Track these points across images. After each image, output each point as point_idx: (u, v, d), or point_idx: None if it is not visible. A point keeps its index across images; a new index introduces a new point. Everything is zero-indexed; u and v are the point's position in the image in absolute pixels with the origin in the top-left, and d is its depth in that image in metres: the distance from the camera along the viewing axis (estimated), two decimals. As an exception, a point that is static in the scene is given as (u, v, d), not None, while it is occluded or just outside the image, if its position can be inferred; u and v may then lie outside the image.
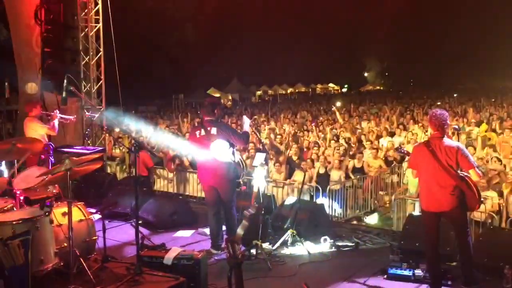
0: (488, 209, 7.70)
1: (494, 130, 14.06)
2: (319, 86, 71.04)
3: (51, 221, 4.79)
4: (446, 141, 5.08)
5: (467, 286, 5.08)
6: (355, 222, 9.55)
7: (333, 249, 6.52)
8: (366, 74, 79.96)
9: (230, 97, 50.40)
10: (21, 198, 5.46)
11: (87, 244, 5.27)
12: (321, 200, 9.37)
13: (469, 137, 12.87)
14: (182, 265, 4.94)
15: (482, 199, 5.41)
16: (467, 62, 58.63)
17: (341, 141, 12.95)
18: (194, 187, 10.74)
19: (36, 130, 8.07)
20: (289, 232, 6.59)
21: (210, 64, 51.04)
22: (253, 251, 6.03)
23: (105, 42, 10.93)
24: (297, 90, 64.72)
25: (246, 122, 6.62)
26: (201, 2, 47.06)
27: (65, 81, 7.22)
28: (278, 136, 13.34)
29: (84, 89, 10.80)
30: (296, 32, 60.98)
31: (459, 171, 5.02)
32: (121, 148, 12.20)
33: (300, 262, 6.10)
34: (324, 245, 6.58)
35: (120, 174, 11.65)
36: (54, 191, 5.63)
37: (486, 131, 13.79)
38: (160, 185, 11.53)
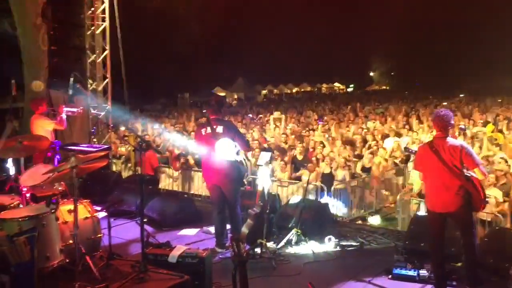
0: (495, 210, 7.66)
1: (500, 131, 13.98)
2: (324, 85, 70.94)
3: (57, 218, 4.83)
4: (450, 140, 5.05)
5: (472, 286, 5.05)
6: (360, 222, 9.53)
7: (338, 248, 6.51)
8: (372, 74, 79.80)
9: (235, 96, 50.46)
10: (28, 195, 5.49)
11: (93, 242, 5.30)
12: (326, 199, 9.36)
13: (476, 137, 12.80)
14: (187, 263, 4.94)
15: (486, 199, 5.38)
16: (473, 62, 58.33)
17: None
18: (199, 186, 10.75)
19: (43, 126, 7.95)
20: (294, 231, 6.59)
21: (215, 63, 50.99)
22: (258, 250, 6.03)
23: (111, 40, 10.97)
24: (302, 90, 64.68)
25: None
26: (207, 1, 47.10)
27: (71, 79, 7.26)
28: (283, 136, 13.32)
29: (90, 87, 10.86)
30: (302, 31, 60.82)
31: (464, 171, 5.00)
32: (126, 146, 12.23)
33: (305, 261, 6.09)
34: (329, 245, 6.57)
35: (125, 172, 11.68)
36: (60, 188, 5.64)
37: (492, 132, 13.72)
38: (165, 183, 11.56)
